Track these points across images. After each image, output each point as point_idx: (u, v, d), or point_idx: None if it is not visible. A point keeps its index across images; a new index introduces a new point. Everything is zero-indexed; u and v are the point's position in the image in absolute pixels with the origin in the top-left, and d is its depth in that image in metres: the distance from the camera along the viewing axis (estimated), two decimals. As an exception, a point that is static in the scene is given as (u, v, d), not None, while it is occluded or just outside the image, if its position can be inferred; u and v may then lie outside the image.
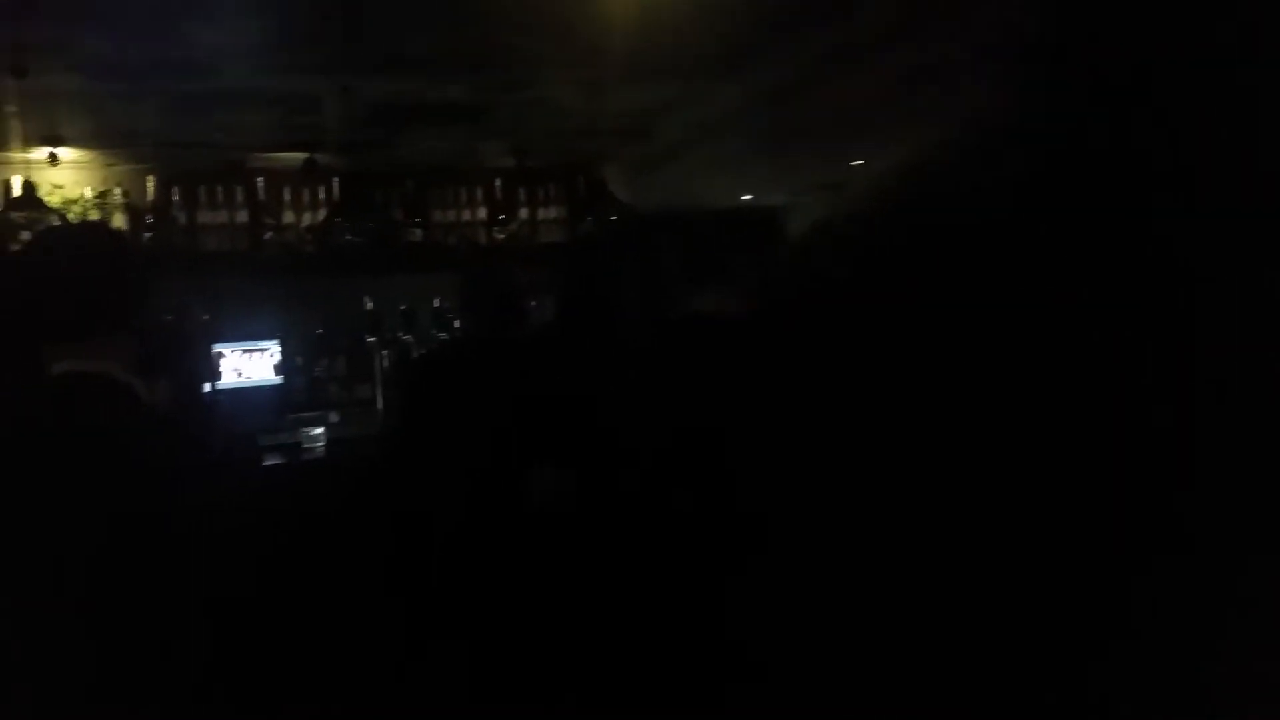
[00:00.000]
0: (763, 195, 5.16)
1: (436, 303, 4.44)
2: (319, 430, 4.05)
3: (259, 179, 4.62)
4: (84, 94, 3.63)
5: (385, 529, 2.53)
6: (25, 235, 3.70)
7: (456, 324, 4.45)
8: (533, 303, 3.09)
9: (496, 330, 2.66)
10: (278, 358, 4.40)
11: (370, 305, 4.38)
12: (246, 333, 4.39)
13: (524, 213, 4.89)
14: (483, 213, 4.78)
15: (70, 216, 4.07)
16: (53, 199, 4.14)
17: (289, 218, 4.59)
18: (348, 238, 4.23)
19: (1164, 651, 0.61)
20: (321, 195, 4.59)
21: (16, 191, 4.09)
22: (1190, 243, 0.59)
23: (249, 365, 4.38)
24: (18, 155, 4.34)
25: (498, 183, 4.83)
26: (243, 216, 4.47)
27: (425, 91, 3.88)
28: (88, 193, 4.42)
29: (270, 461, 3.87)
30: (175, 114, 3.92)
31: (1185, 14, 0.62)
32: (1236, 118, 0.59)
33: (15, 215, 3.75)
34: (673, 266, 2.51)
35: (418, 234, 4.53)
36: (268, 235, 4.44)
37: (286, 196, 4.61)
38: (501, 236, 4.73)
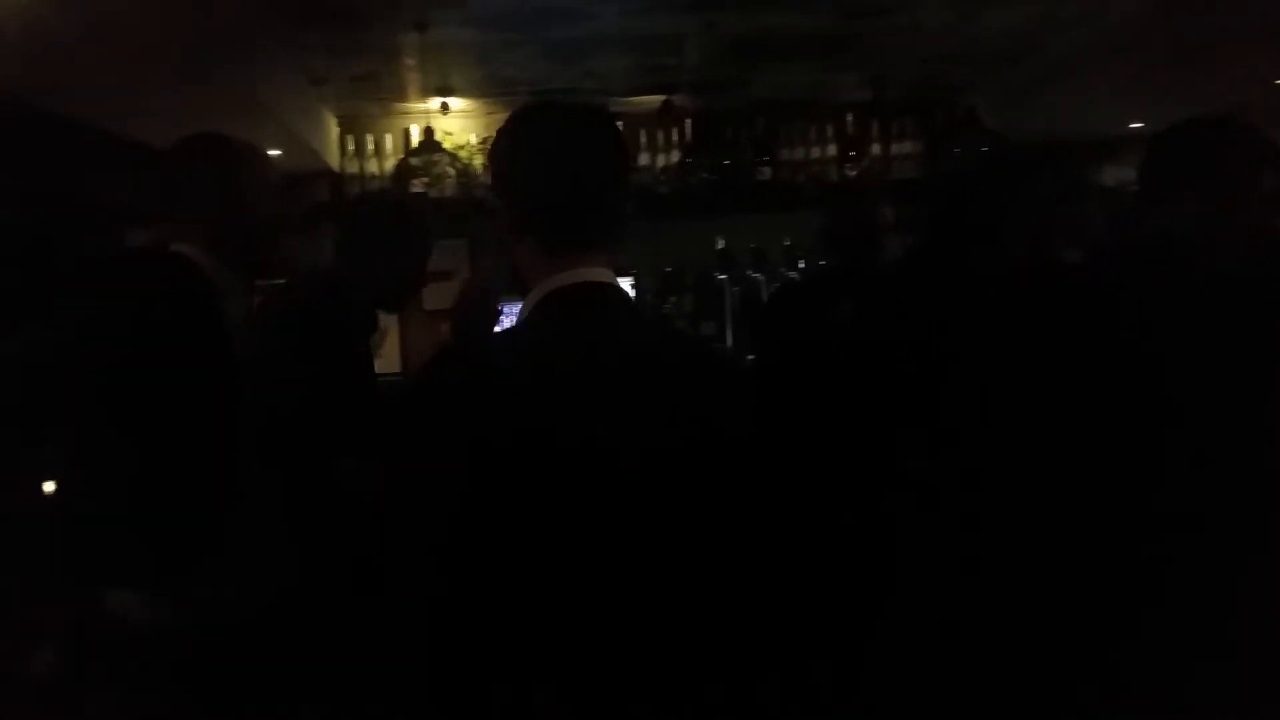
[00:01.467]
0: (1156, 120, 4.54)
1: (787, 241, 4.40)
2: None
3: (618, 122, 4.80)
4: (473, 45, 3.92)
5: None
6: (424, 179, 4.11)
7: (801, 264, 4.39)
8: (894, 239, 2.94)
9: (862, 265, 2.55)
10: (631, 293, 4.58)
11: (721, 244, 4.43)
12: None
13: (879, 147, 4.68)
14: (834, 149, 4.64)
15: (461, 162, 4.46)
16: (445, 144, 4.57)
17: (644, 159, 4.73)
18: (702, 176, 4.29)
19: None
20: (675, 136, 4.68)
21: (415, 140, 4.56)
22: None
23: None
24: (414, 106, 4.84)
25: (850, 117, 4.67)
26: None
27: (784, 24, 3.79)
28: (473, 139, 4.84)
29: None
30: (550, 61, 4.14)
31: None
32: None
33: (415, 160, 4.19)
34: (1057, 200, 2.25)
35: (767, 172, 4.50)
36: (626, 176, 4.60)
37: (643, 139, 4.75)
38: (854, 173, 4.57)
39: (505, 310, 4.46)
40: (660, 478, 1.17)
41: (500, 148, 1.37)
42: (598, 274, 1.26)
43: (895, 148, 4.69)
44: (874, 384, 2.25)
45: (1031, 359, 1.79)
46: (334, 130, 4.98)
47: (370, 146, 4.88)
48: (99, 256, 2.04)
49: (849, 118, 4.66)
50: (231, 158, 1.89)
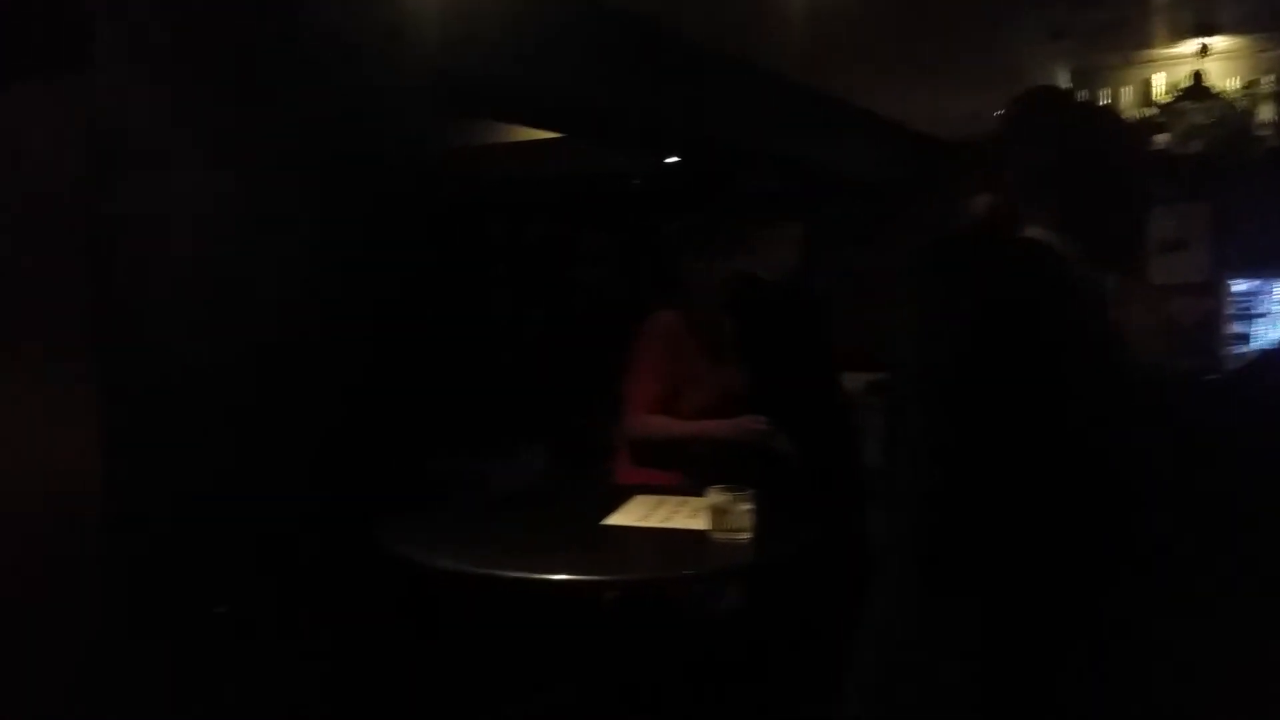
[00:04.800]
0: None
1: None
2: None
3: None
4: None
5: None
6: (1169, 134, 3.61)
7: None
8: None
9: None
10: None
11: None
12: None
13: None
14: None
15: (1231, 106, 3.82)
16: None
17: None
18: None
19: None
20: None
21: (1156, 91, 4.06)
22: None
23: None
24: (1160, 52, 4.28)
25: None
26: None
27: None
28: (1235, 84, 4.12)
29: None
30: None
31: None
32: None
33: (1162, 113, 3.70)
34: None
35: None
36: None
37: None
38: None
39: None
40: None
41: None
42: None
43: None
44: None
45: None
46: (1065, 86, 4.66)
47: (1104, 101, 4.45)
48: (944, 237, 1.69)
49: None
50: (1090, 120, 1.53)
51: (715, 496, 2.03)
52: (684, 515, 2.22)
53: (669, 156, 5.37)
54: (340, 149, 2.32)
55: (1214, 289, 3.95)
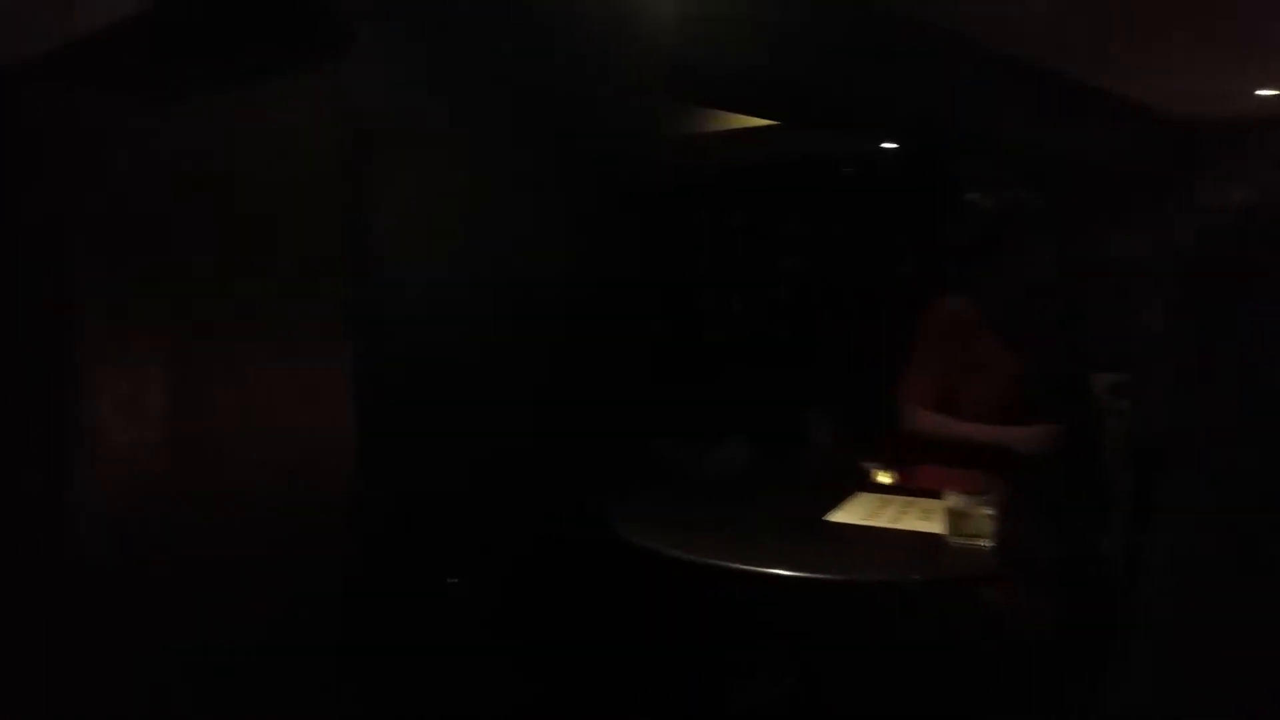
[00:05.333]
0: None
1: None
2: None
3: None
4: None
5: None
6: None
7: None
8: None
9: None
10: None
11: None
12: None
13: None
14: None
15: None
16: None
17: None
18: None
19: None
20: None
21: None
22: None
23: None
24: None
25: None
26: None
27: None
28: None
29: None
30: None
31: None
32: None
33: None
34: None
35: None
36: None
37: None
38: None
39: None
40: None
41: None
42: None
43: None
44: None
45: None
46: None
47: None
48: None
49: None
50: None
51: (952, 499, 1.92)
52: (913, 516, 2.12)
53: (886, 142, 5.17)
54: (572, 136, 2.34)
55: None
